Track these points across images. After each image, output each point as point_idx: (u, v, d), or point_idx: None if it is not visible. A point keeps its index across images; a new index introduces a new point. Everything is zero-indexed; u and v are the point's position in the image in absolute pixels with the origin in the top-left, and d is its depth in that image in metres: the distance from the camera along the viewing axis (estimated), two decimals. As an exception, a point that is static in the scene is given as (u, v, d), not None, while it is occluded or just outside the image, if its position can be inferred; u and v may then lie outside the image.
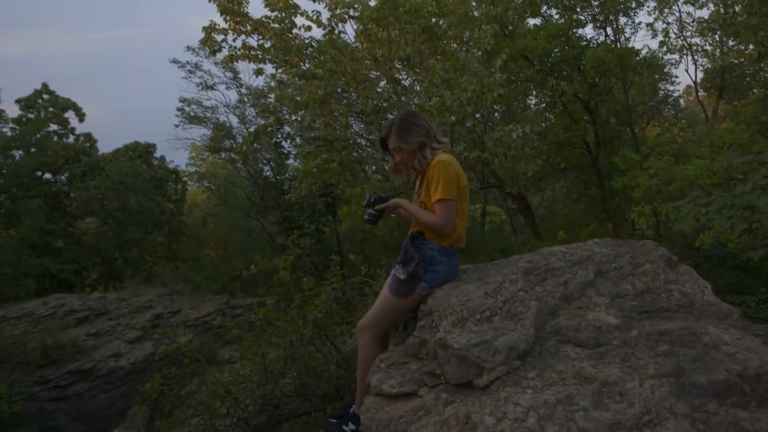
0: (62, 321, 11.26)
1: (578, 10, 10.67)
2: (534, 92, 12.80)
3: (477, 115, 9.20)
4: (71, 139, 21.21)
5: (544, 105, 13.62)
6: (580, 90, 10.14)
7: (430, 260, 3.11)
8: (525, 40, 9.44)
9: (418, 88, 11.21)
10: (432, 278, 3.12)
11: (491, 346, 2.57)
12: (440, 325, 2.86)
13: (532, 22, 11.61)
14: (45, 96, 20.94)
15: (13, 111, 20.82)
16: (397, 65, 10.29)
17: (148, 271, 17.43)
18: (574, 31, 10.30)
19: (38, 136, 19.89)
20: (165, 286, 14.81)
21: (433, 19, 9.65)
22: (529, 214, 12.11)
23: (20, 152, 19.63)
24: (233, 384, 4.66)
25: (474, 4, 10.52)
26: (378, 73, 10.28)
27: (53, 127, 21.15)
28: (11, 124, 20.32)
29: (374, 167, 11.19)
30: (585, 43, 10.40)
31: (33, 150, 19.64)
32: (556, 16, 11.21)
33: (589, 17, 11.13)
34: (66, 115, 21.49)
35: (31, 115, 20.57)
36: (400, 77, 10.50)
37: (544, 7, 11.09)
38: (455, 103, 7.54)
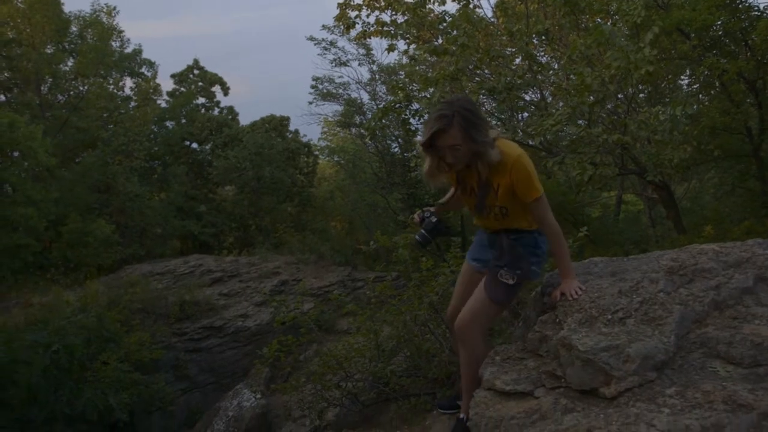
0: (199, 280, 12.18)
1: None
2: (687, 71, 11.56)
3: (620, 95, 8.47)
4: (216, 111, 22.74)
5: (697, 85, 12.28)
6: (746, 68, 8.94)
7: (534, 244, 2.80)
8: (682, 12, 8.46)
9: (555, 65, 10.57)
10: (539, 261, 2.83)
11: (623, 353, 2.27)
12: (565, 322, 2.58)
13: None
14: (195, 71, 22.58)
15: (168, 85, 22.71)
16: (534, 41, 9.72)
17: (277, 239, 18.36)
18: (743, -1, 9.08)
19: (188, 108, 21.53)
20: (292, 254, 15.47)
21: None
22: (672, 205, 11.06)
23: (172, 123, 21.40)
24: (346, 358, 4.68)
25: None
26: (513, 49, 9.80)
27: (201, 100, 22.79)
28: (166, 97, 22.23)
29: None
30: (757, 13, 9.10)
31: (183, 121, 21.31)
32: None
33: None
34: (213, 89, 23.05)
35: (183, 89, 22.30)
36: (537, 53, 9.94)
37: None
38: (596, 81, 6.95)
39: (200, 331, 10.82)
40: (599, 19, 10.16)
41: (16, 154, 12.91)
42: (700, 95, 12.28)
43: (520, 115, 11.80)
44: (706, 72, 9.34)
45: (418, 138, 2.81)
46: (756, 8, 8.95)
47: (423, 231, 2.80)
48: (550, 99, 11.00)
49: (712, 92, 11.44)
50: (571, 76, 7.36)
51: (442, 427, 3.57)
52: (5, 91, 17.86)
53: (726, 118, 9.75)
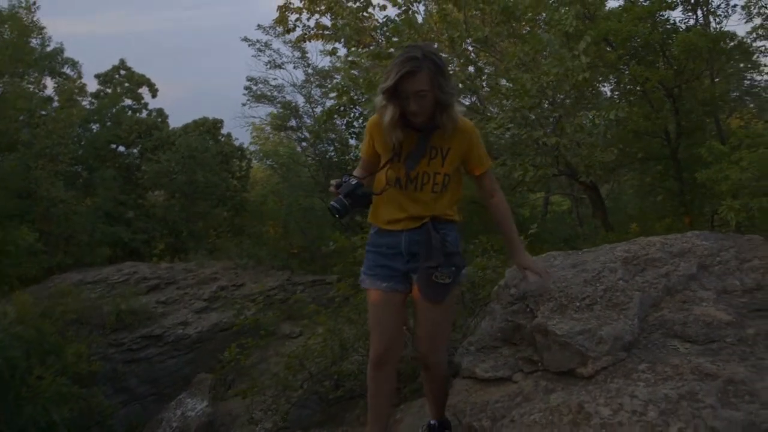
0: (134, 288, 11.75)
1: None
2: (611, 78, 12.30)
3: (554, 99, 8.92)
4: (144, 114, 21.94)
5: (618, 92, 13.07)
6: (665, 77, 9.65)
7: (457, 243, 2.53)
8: (609, 23, 9.04)
9: (487, 70, 10.97)
10: (464, 263, 2.59)
11: (596, 335, 2.48)
12: (538, 311, 2.77)
13: (614, 4, 11.15)
14: (122, 72, 21.71)
15: (92, 86, 21.70)
16: (470, 47, 10.07)
17: (211, 244, 17.95)
18: (662, 13, 9.79)
19: (114, 110, 20.68)
20: (229, 259, 15.20)
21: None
22: (600, 204, 11.73)
23: (97, 125, 20.48)
24: (308, 358, 4.72)
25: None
26: (450, 55, 10.11)
27: (128, 101, 21.92)
28: (90, 98, 21.23)
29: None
30: (672, 26, 9.85)
31: (108, 123, 20.43)
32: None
33: (681, -2, 10.51)
34: (140, 90, 22.23)
35: (108, 90, 21.39)
36: (473, 59, 10.29)
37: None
38: (535, 86, 7.32)
39: (138, 340, 10.44)
40: (528, 28, 10.68)
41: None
42: (622, 101, 13.08)
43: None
44: (629, 79, 10.00)
45: (381, 86, 2.32)
46: (672, 22, 9.71)
47: (340, 196, 2.39)
48: (486, 103, 11.40)
49: (632, 98, 12.21)
50: (507, 82, 7.70)
51: (412, 419, 3.69)
52: None
53: (647, 122, 10.46)
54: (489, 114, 9.46)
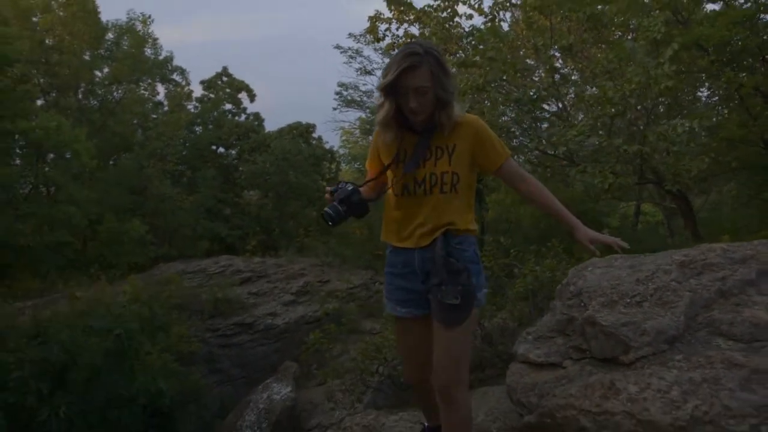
0: (230, 279, 12.71)
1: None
2: (706, 84, 11.88)
3: (639, 107, 8.83)
4: (242, 117, 23.40)
5: (716, 98, 12.58)
6: (763, 83, 9.25)
7: (476, 259, 2.31)
8: (700, 28, 8.83)
9: (575, 77, 10.96)
10: (484, 282, 2.36)
11: (640, 327, 2.69)
12: (589, 305, 3.01)
13: (710, 7, 10.78)
14: (224, 78, 23.27)
15: (196, 90, 23.45)
16: (556, 54, 10.14)
17: (300, 242, 18.87)
18: (761, 16, 9.39)
19: (216, 114, 22.22)
20: (316, 257, 15.96)
21: (599, 6, 9.38)
22: (689, 215, 11.35)
23: (200, 128, 22.11)
24: (384, 346, 5.12)
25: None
26: (536, 62, 10.23)
27: (228, 106, 23.47)
28: (195, 103, 22.97)
29: (524, 157, 11.18)
30: (771, 30, 9.45)
31: (210, 126, 21.99)
32: (741, 0, 10.29)
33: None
34: (239, 95, 23.73)
35: (211, 95, 23.01)
36: (559, 66, 10.35)
37: (726, -8, 10.23)
38: (617, 94, 7.35)
39: (232, 327, 11.33)
40: (619, 33, 10.57)
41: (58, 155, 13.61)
42: (719, 108, 12.57)
43: (542, 125, 12.20)
44: (724, 86, 9.67)
45: (380, 82, 2.26)
46: (773, 25, 9.30)
47: (335, 202, 2.25)
48: (571, 110, 11.38)
49: (731, 105, 11.74)
50: (594, 89, 7.76)
51: (475, 403, 3.99)
52: (45, 96, 18.62)
53: (743, 130, 10.05)
54: (574, 122, 9.50)
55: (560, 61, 10.77)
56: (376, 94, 2.34)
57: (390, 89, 2.19)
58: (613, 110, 7.64)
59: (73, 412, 7.13)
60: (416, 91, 2.15)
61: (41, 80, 16.97)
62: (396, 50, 1.89)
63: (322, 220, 2.30)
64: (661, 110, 10.98)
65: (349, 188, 2.28)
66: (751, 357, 2.33)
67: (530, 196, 2.37)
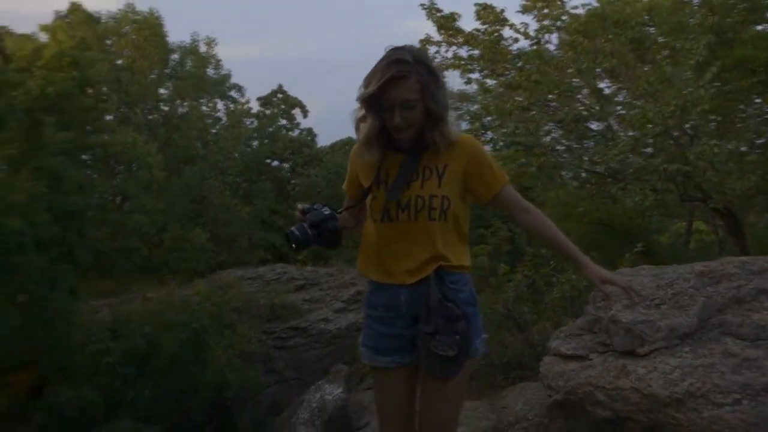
0: (285, 286, 13.49)
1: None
2: (755, 102, 11.95)
3: (686, 126, 9.06)
4: (296, 132, 24.47)
5: (765, 117, 12.58)
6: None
7: (472, 300, 2.00)
8: (743, 50, 9.05)
9: (620, 98, 11.26)
10: (477, 313, 2.02)
11: (655, 325, 3.14)
12: (614, 307, 3.47)
13: (758, 27, 10.90)
14: (279, 95, 24.43)
15: (255, 106, 24.72)
16: (600, 73, 10.50)
17: (350, 254, 19.54)
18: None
19: (271, 129, 23.33)
20: (365, 267, 16.56)
21: (643, 28, 9.71)
22: (739, 233, 11.40)
23: (256, 142, 23.25)
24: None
25: (689, 12, 10.29)
26: (580, 82, 10.60)
27: (283, 121, 24.60)
28: (252, 119, 24.18)
29: (571, 173, 11.52)
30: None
31: (266, 141, 23.10)
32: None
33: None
34: (293, 111, 24.83)
35: (267, 111, 24.18)
36: (603, 86, 10.68)
37: (774, 12, 10.35)
38: (657, 115, 7.68)
39: (287, 330, 12.05)
40: (666, 51, 10.81)
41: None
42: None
43: (586, 144, 12.51)
44: (770, 106, 9.81)
45: (360, 93, 1.92)
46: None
47: (304, 224, 1.94)
48: (616, 128, 11.66)
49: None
50: (633, 111, 8.11)
51: (515, 396, 4.47)
52: (115, 112, 20.02)
53: (791, 150, 10.12)
54: (618, 141, 9.82)
55: (605, 80, 11.12)
56: (356, 108, 1.98)
57: (372, 102, 1.88)
58: (655, 129, 7.96)
59: (154, 395, 8.07)
60: (402, 105, 1.85)
61: (115, 98, 18.29)
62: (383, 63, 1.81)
63: (285, 241, 1.97)
64: (713, 126, 11.12)
65: (326, 212, 1.97)
66: (747, 350, 2.76)
67: (533, 228, 2.06)
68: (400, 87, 1.82)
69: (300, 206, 2.03)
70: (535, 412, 3.91)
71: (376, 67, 1.86)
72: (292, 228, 1.94)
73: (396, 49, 1.88)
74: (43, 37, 16.00)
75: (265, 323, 11.98)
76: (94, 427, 7.53)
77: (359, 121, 1.98)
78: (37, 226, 8.08)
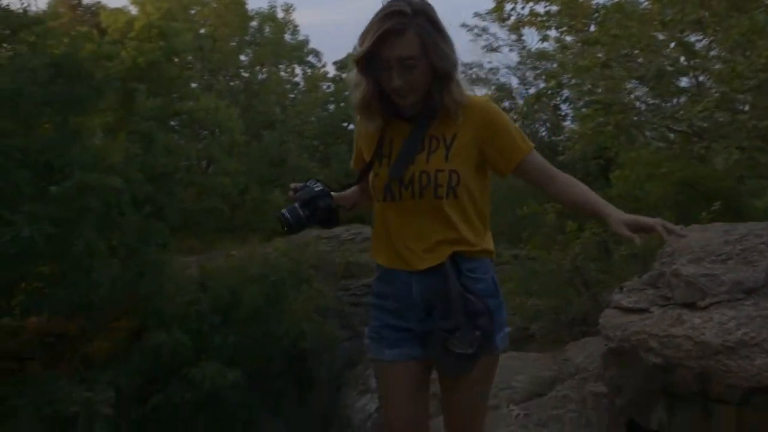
0: (360, 245, 13.86)
1: None
2: None
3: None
4: (371, 95, 24.59)
5: None
6: None
7: (494, 291, 1.81)
8: None
9: (713, 53, 10.58)
10: (501, 305, 1.83)
11: (718, 279, 3.12)
12: (678, 261, 3.45)
13: None
14: (355, 59, 24.57)
15: (332, 71, 25.05)
16: (688, 26, 9.89)
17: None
18: None
19: (347, 93, 23.60)
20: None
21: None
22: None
23: (333, 106, 23.63)
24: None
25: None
26: (665, 37, 10.05)
27: (358, 85, 24.77)
28: (328, 83, 24.55)
29: (651, 132, 11.05)
30: None
31: (342, 104, 23.41)
32: None
33: None
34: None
35: (343, 75, 24.40)
36: (691, 39, 10.08)
37: None
38: (748, 69, 7.22)
39: (361, 288, 12.44)
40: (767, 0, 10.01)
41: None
42: None
43: (672, 101, 11.91)
44: None
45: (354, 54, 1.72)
46: None
47: (295, 204, 1.83)
48: (708, 84, 11.00)
49: None
50: (721, 65, 7.65)
51: (578, 350, 4.53)
52: (199, 79, 20.90)
53: None
54: (707, 97, 9.31)
55: (693, 34, 10.47)
56: (351, 71, 1.75)
57: (367, 62, 1.66)
58: (747, 83, 7.48)
59: (237, 342, 8.84)
60: (401, 64, 1.60)
61: (199, 66, 19.11)
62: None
63: (278, 223, 1.86)
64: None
65: (317, 189, 1.85)
66: (811, 303, 2.72)
67: (563, 195, 1.81)
68: (397, 43, 1.58)
69: (293, 185, 1.91)
70: (596, 365, 3.98)
71: (371, 21, 1.62)
72: (283, 209, 1.83)
73: (393, 1, 1.62)
74: (134, 10, 16.96)
75: (341, 280, 12.42)
76: (185, 367, 8.49)
77: (354, 87, 1.75)
78: (132, 185, 8.87)
